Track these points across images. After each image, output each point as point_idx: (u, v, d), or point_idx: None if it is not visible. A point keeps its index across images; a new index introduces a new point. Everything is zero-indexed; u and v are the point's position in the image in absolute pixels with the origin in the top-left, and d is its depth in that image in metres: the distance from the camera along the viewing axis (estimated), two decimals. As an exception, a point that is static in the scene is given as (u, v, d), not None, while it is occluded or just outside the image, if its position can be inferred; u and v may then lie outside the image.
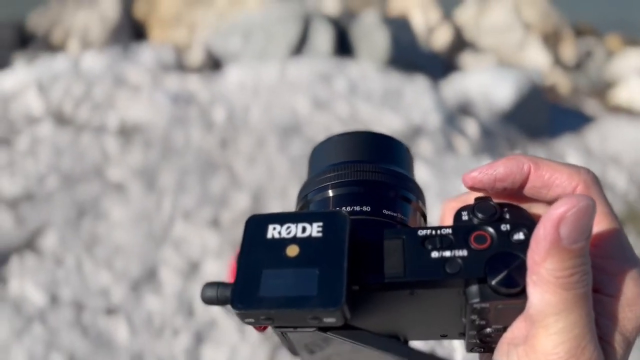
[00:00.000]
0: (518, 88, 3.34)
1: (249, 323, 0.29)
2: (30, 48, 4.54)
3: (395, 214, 0.34)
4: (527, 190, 0.32)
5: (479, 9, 5.46)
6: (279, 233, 0.29)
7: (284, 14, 4.18)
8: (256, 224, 0.30)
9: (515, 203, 0.32)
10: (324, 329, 0.29)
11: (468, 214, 0.31)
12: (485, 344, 0.32)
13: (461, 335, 0.33)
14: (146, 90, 2.87)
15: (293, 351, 0.34)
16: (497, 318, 0.29)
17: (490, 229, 0.29)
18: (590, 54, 5.49)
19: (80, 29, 4.77)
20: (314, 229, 0.29)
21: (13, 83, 3.14)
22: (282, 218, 0.30)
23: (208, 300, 0.32)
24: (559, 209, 0.25)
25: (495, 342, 0.30)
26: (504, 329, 0.30)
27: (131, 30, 4.99)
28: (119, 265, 1.70)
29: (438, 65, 4.48)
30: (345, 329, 0.29)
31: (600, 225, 0.30)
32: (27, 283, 1.61)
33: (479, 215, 0.30)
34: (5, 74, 3.57)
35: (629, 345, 0.29)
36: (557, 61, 5.27)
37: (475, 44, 5.31)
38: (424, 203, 0.38)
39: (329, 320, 0.28)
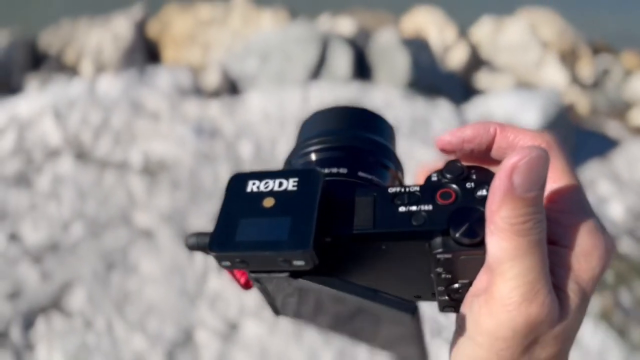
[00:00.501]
0: (544, 112, 3.26)
1: (226, 266, 0.31)
2: (43, 69, 4.49)
3: (370, 177, 0.36)
4: (494, 152, 0.34)
5: (495, 27, 5.40)
6: (258, 187, 0.31)
7: (301, 35, 4.11)
8: (237, 180, 0.32)
9: (482, 165, 0.33)
10: (295, 273, 0.30)
11: (437, 175, 0.32)
12: (455, 302, 0.33)
13: (434, 296, 0.34)
14: (166, 119, 2.79)
15: (275, 309, 0.36)
16: (463, 271, 0.31)
17: (455, 186, 0.31)
18: (607, 72, 5.41)
19: (93, 49, 4.72)
20: (290, 184, 0.31)
21: (28, 109, 3.07)
22: (261, 175, 0.32)
23: (190, 247, 0.34)
24: (512, 159, 0.27)
25: (464, 299, 0.32)
26: (470, 285, 0.31)
27: (145, 50, 4.93)
28: (152, 326, 1.60)
29: (457, 86, 4.40)
30: (318, 276, 0.30)
31: (559, 181, 0.32)
32: (55, 350, 1.50)
33: (447, 175, 0.32)
34: (20, 98, 3.51)
35: (585, 295, 0.30)
36: (575, 80, 5.19)
37: (492, 62, 5.23)
38: (402, 174, 0.40)
39: (298, 262, 0.29)
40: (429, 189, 0.32)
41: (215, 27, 5.13)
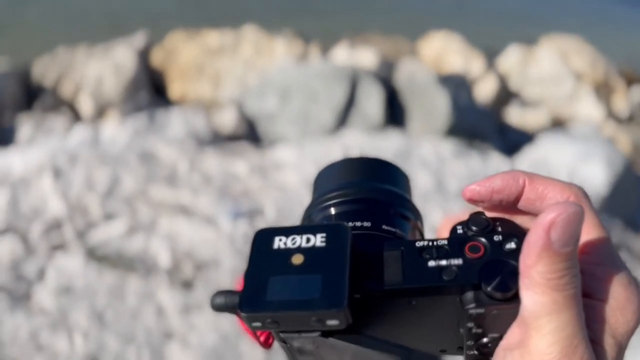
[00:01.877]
0: (610, 166, 2.89)
1: (257, 328, 0.30)
2: (37, 106, 4.06)
3: (394, 230, 0.36)
4: (522, 203, 0.34)
5: (523, 56, 5.06)
6: (285, 244, 0.31)
7: (325, 71, 3.73)
8: (263, 236, 0.32)
9: (509, 217, 0.34)
10: (327, 333, 0.30)
11: (463, 228, 0.32)
12: (483, 355, 0.33)
13: (460, 350, 0.34)
14: (186, 182, 2.38)
15: None
16: (493, 325, 0.31)
17: (484, 239, 0.31)
18: (642, 105, 5.08)
19: (92, 81, 4.30)
20: (318, 239, 0.31)
21: (23, 164, 2.65)
22: (287, 231, 0.32)
23: (217, 307, 0.34)
24: (549, 215, 0.27)
25: (493, 353, 0.31)
26: (501, 338, 0.31)
27: (149, 83, 4.52)
28: None
29: (491, 124, 4.04)
30: (348, 334, 0.30)
31: (590, 234, 0.32)
32: None
33: (473, 228, 0.32)
34: (12, 148, 3.08)
35: (620, 348, 0.30)
36: (610, 114, 4.86)
37: (522, 95, 4.89)
38: (422, 224, 0.40)
39: (332, 322, 0.29)
40: (457, 242, 0.31)
41: (225, 56, 4.74)
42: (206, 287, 1.61)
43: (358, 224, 0.35)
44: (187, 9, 7.93)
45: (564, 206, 0.27)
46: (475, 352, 0.33)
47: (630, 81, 5.35)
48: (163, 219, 1.98)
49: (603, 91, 4.96)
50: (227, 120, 3.59)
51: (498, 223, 0.32)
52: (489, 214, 0.34)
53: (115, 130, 3.04)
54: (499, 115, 4.55)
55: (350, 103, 3.48)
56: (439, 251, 0.31)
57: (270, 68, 4.54)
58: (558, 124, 4.71)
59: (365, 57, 4.52)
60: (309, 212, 0.39)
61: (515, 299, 0.29)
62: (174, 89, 4.49)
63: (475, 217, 0.33)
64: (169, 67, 4.65)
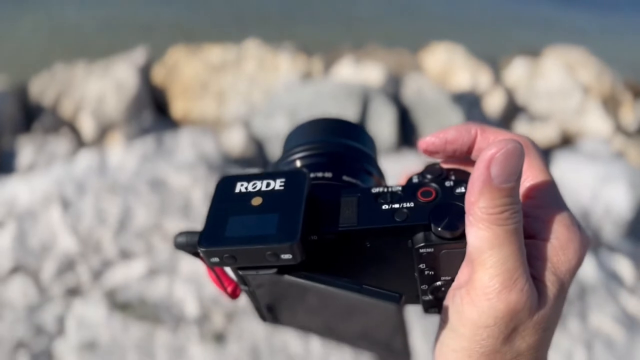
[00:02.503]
0: (634, 188, 2.83)
1: (215, 263, 0.31)
2: (37, 126, 3.93)
3: (355, 181, 0.38)
4: (474, 154, 0.36)
5: (530, 70, 5.00)
6: (246, 188, 0.33)
7: (336, 90, 3.65)
8: (226, 182, 0.34)
9: (463, 167, 0.35)
10: (282, 269, 0.31)
11: (418, 177, 0.35)
12: (438, 301, 0.34)
13: (417, 299, 0.35)
14: (200, 212, 2.28)
15: (262, 314, 0.37)
16: (445, 267, 0.32)
17: (435, 185, 0.33)
18: (650, 117, 5.04)
19: (93, 99, 4.19)
20: (277, 184, 0.32)
21: (28, 194, 2.54)
22: (249, 177, 0.34)
23: (179, 246, 0.35)
24: (489, 151, 0.29)
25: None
26: (452, 281, 0.32)
27: (151, 100, 4.41)
28: None
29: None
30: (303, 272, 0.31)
31: (534, 179, 0.34)
32: None
33: (428, 176, 0.34)
34: (15, 177, 2.97)
35: (562, 286, 0.31)
36: (618, 127, 4.81)
37: (529, 109, 4.83)
38: (384, 181, 0.42)
39: (286, 256, 0.30)
40: (411, 188, 0.33)
41: (228, 72, 4.64)
42: (240, 340, 1.50)
43: (320, 174, 0.37)
44: (187, 23, 7.83)
45: (503, 143, 0.28)
46: (430, 296, 0.33)
47: (636, 93, 5.31)
48: (183, 258, 1.88)
49: (610, 104, 4.91)
50: (235, 141, 3.49)
51: (452, 172, 0.34)
52: (445, 165, 0.35)
53: (122, 155, 2.93)
54: (507, 129, 4.49)
55: (362, 123, 3.39)
56: (393, 196, 0.33)
57: (275, 84, 4.45)
58: (567, 139, 4.66)
59: (372, 72, 4.44)
60: (275, 166, 0.41)
61: (463, 238, 0.30)
62: (177, 107, 4.38)
63: (430, 167, 0.34)
64: (171, 84, 4.55)
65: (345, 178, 0.37)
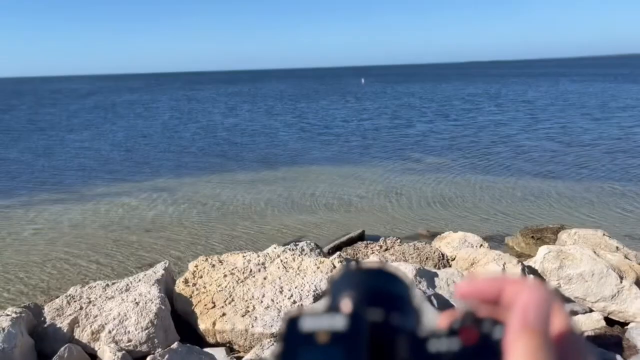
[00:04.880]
0: None
1: None
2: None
3: (402, 322, 0.39)
4: (505, 300, 0.38)
5: (556, 256, 4.95)
6: (311, 325, 0.35)
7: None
8: (294, 320, 0.36)
9: (495, 312, 0.37)
10: None
11: (459, 321, 0.37)
12: None
13: None
14: None
15: None
16: None
17: (476, 328, 0.36)
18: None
19: (114, 324, 3.93)
20: (340, 322, 0.35)
21: None
22: (313, 315, 0.36)
23: None
24: (523, 299, 0.34)
25: None
26: None
27: (176, 320, 4.16)
28: None
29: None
30: None
31: (560, 323, 0.36)
32: None
33: (468, 320, 0.36)
34: None
35: None
36: (659, 308, 4.61)
37: (564, 295, 4.67)
38: (424, 320, 0.44)
39: None
40: (454, 332, 0.36)
41: (253, 279, 4.50)
42: None
43: (371, 312, 0.39)
44: (202, 239, 7.91)
45: (534, 291, 0.34)
46: None
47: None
48: None
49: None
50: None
51: (487, 318, 0.36)
52: (480, 308, 0.38)
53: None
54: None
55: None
56: (439, 340, 0.36)
57: (305, 287, 4.30)
58: (611, 324, 4.43)
59: (404, 270, 4.34)
60: (328, 307, 0.43)
61: None
62: (205, 321, 4.13)
63: (468, 313, 0.37)
64: (195, 299, 4.35)
65: (394, 317, 0.40)
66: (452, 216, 8.38)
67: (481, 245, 5.83)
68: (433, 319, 0.45)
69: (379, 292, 0.43)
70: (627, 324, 4.51)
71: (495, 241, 6.94)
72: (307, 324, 0.36)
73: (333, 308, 0.42)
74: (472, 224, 7.83)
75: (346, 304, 0.42)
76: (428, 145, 15.68)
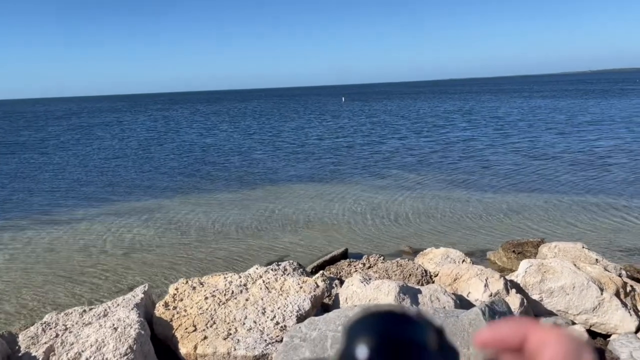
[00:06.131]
0: None
1: None
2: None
3: None
4: (528, 346, 0.37)
5: (537, 269, 4.98)
6: None
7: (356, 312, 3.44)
8: None
9: (515, 357, 0.38)
10: None
11: None
12: None
13: None
14: None
15: None
16: None
17: None
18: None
19: (91, 351, 3.80)
20: None
21: None
22: None
23: None
24: (550, 351, 0.33)
25: None
26: None
27: (156, 344, 4.04)
28: None
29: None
30: None
31: None
32: None
33: None
34: None
35: None
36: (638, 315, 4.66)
37: (543, 308, 4.69)
38: None
39: None
40: None
41: (235, 300, 4.42)
42: None
43: None
44: (182, 260, 7.78)
45: (562, 344, 0.33)
46: None
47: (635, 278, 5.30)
48: None
49: (624, 295, 4.84)
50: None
51: None
52: (500, 358, 0.39)
53: None
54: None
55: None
56: None
57: (289, 307, 4.24)
58: (594, 336, 4.46)
59: (386, 288, 4.31)
60: (342, 355, 0.43)
61: None
62: (186, 345, 4.02)
63: None
64: (176, 323, 4.25)
65: None
66: (432, 231, 8.41)
67: (463, 260, 5.85)
68: None
69: (396, 340, 0.41)
70: (609, 335, 4.54)
71: (476, 256, 6.97)
72: None
73: (347, 357, 0.42)
74: (453, 239, 7.87)
75: (362, 353, 0.41)
76: (402, 161, 15.82)
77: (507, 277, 5.00)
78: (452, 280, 4.97)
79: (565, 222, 8.64)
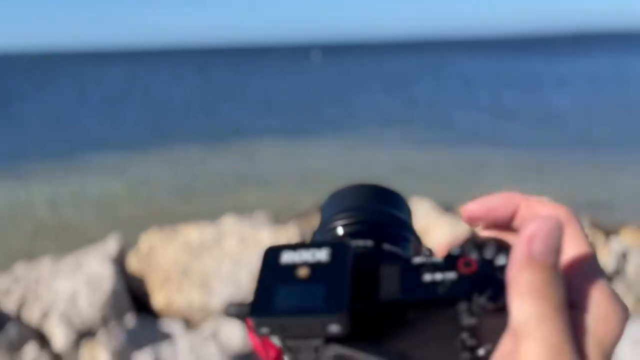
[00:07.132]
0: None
1: (264, 333, 0.32)
2: (2, 339, 3.44)
3: (395, 249, 0.39)
4: (516, 222, 0.36)
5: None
6: (292, 258, 0.33)
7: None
8: (272, 252, 0.34)
9: (504, 236, 0.36)
10: (329, 340, 0.32)
11: (459, 248, 0.34)
12: None
13: None
14: None
15: None
16: (487, 336, 0.32)
17: (476, 256, 0.33)
18: (625, 255, 5.16)
19: (64, 302, 3.78)
20: (322, 254, 0.33)
21: None
22: (295, 246, 0.34)
23: (230, 315, 0.36)
24: (530, 228, 0.29)
25: None
26: (493, 348, 0.32)
27: (130, 296, 4.05)
28: None
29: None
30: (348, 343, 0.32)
31: (575, 250, 0.33)
32: None
33: (467, 246, 0.34)
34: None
35: (606, 357, 0.31)
36: (601, 269, 4.86)
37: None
38: (421, 247, 0.43)
39: (334, 327, 0.31)
40: (451, 259, 0.33)
41: (208, 255, 4.42)
42: None
43: (360, 242, 0.38)
44: (157, 206, 7.72)
45: (544, 220, 0.29)
46: None
47: (606, 233, 5.49)
48: None
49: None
50: (235, 338, 3.17)
51: (492, 242, 0.34)
52: (485, 233, 0.37)
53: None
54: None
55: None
56: (434, 267, 0.33)
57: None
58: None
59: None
60: (316, 233, 0.43)
61: (505, 309, 0.30)
62: (158, 299, 4.04)
63: (469, 237, 0.35)
64: (149, 274, 4.25)
65: (385, 247, 0.38)
66: (409, 181, 8.51)
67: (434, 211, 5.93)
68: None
69: (372, 215, 0.41)
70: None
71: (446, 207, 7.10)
72: (287, 257, 0.33)
73: (323, 234, 0.41)
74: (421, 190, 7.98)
75: (337, 230, 0.40)
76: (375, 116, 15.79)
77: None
78: (423, 234, 5.06)
79: (533, 179, 8.81)
